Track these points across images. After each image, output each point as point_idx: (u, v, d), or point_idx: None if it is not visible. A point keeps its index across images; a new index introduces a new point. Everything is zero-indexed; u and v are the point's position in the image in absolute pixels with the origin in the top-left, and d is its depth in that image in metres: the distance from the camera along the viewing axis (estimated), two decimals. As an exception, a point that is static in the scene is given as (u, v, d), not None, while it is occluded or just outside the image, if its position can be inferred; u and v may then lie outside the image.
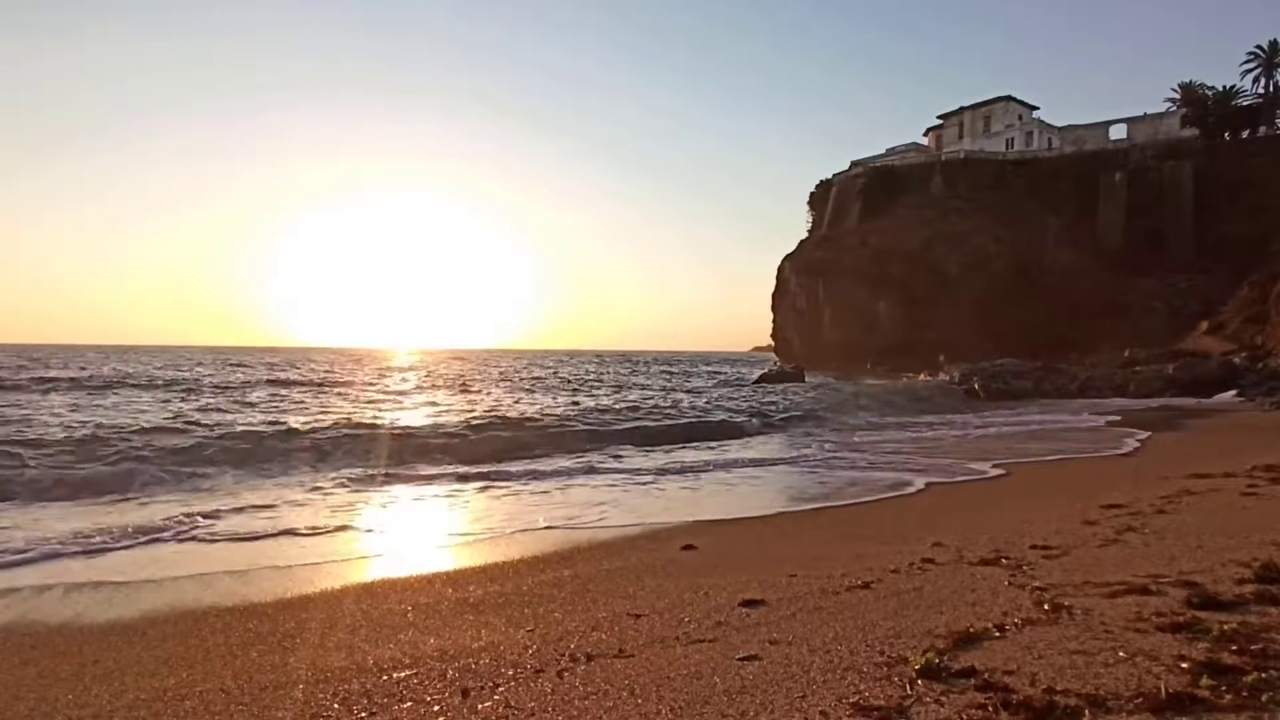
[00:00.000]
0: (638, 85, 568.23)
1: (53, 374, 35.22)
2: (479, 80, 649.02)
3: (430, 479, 10.55)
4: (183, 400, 23.18)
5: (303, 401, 23.77)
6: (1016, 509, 7.15)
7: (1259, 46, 58.19)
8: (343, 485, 9.89)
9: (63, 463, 10.53)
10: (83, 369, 41.02)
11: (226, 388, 29.78)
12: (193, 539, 6.89)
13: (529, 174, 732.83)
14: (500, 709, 2.77)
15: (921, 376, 45.51)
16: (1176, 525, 5.67)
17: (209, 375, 39.01)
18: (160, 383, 31.05)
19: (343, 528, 7.42)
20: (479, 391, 30.79)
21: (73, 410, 19.06)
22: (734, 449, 14.64)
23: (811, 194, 79.90)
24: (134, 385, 29.39)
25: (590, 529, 7.33)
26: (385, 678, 3.25)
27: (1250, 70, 58.94)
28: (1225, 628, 3.01)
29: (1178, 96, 61.43)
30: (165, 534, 7.00)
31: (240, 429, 14.58)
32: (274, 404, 22.63)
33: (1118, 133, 64.55)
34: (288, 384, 32.88)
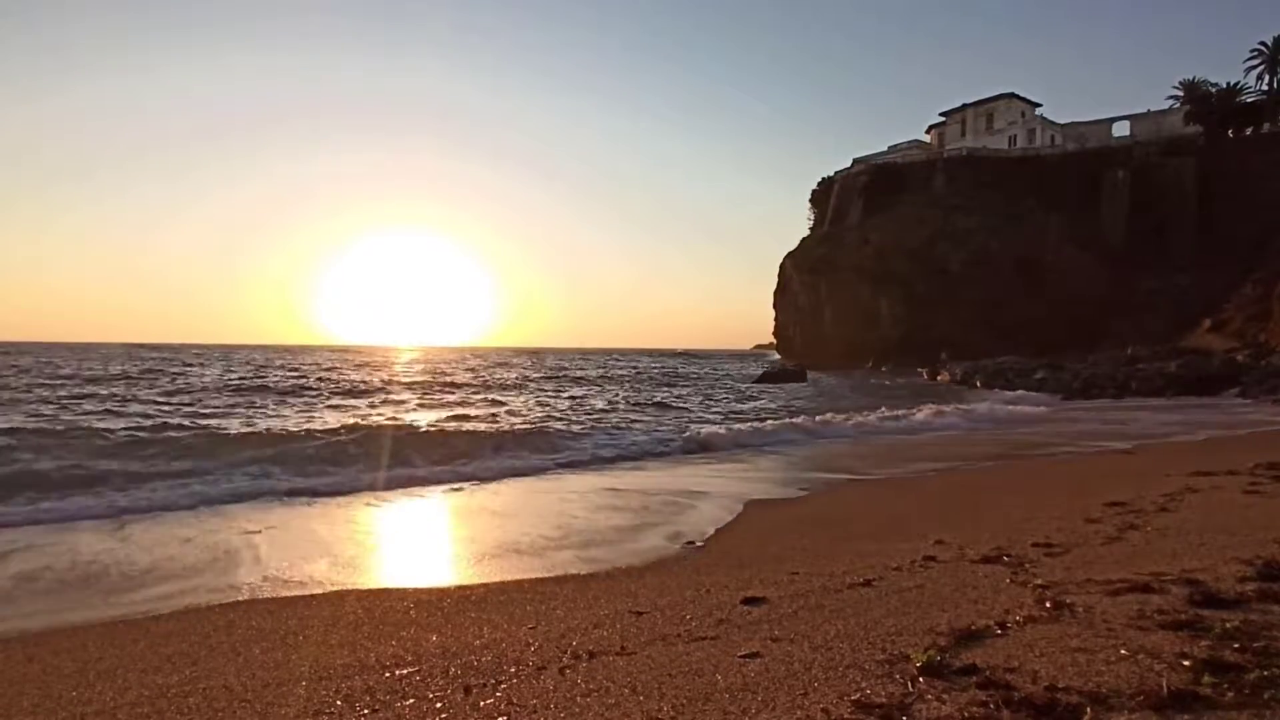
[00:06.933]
0: (639, 81, 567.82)
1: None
2: (481, 78, 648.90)
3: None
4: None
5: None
6: (1019, 506, 7.15)
7: (1263, 43, 57.88)
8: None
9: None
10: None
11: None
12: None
13: (532, 172, 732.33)
14: (502, 706, 2.77)
15: (923, 375, 45.49)
16: (1179, 523, 5.66)
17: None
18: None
19: (347, 523, 7.45)
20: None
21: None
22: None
23: (813, 191, 79.77)
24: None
25: (591, 525, 7.33)
26: (387, 675, 3.25)
27: (1254, 67, 58.64)
28: (1227, 625, 3.00)
29: (1181, 93, 61.13)
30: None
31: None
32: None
33: (1120, 130, 64.37)
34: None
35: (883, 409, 20.19)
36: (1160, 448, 13.06)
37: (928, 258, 61.07)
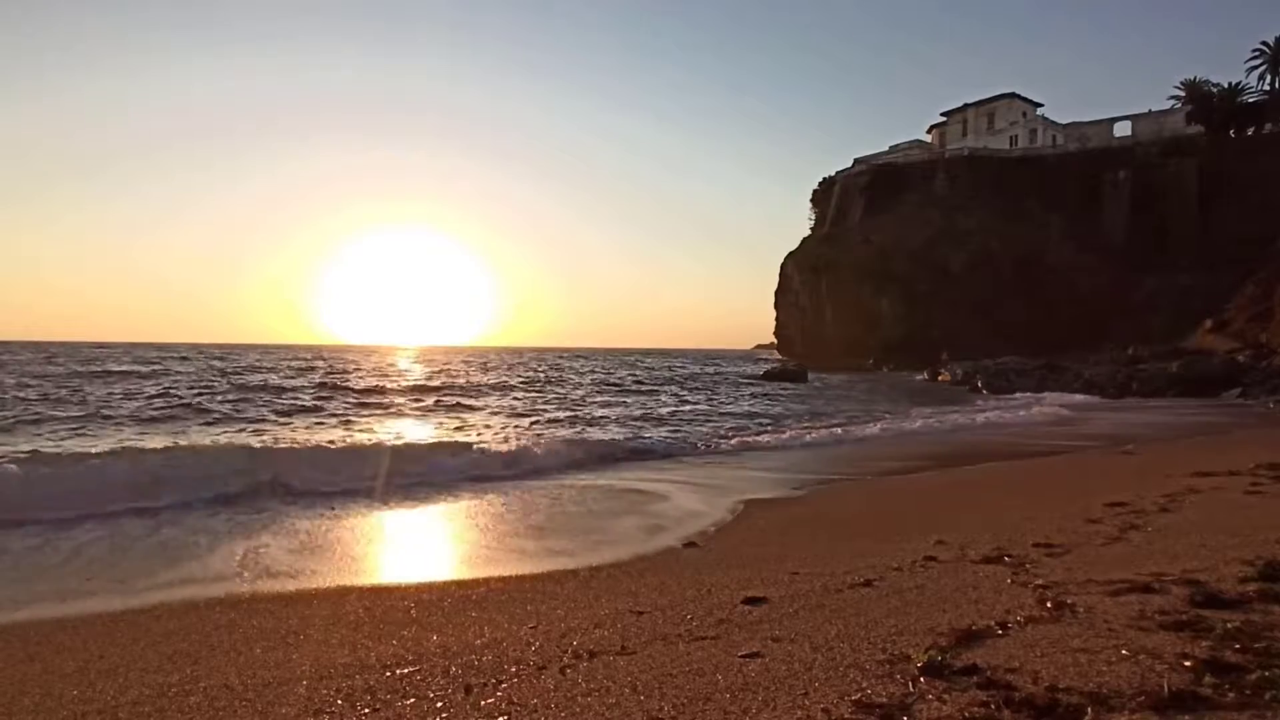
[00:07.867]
0: (640, 81, 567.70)
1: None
2: (481, 77, 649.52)
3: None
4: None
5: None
6: (1019, 506, 7.14)
7: (1265, 43, 57.84)
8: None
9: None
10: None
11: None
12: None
13: (532, 172, 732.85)
14: (503, 705, 2.77)
15: (924, 375, 45.48)
16: (1180, 523, 5.66)
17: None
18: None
19: (349, 522, 7.45)
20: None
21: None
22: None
23: (814, 191, 79.86)
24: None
25: (591, 525, 7.34)
26: (388, 674, 3.26)
27: (1256, 67, 58.62)
28: (1228, 626, 3.01)
29: (1182, 93, 61.08)
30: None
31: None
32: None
33: (1122, 130, 64.35)
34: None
35: (915, 410, 20.14)
36: (1160, 448, 13.05)
37: (929, 258, 61.06)
